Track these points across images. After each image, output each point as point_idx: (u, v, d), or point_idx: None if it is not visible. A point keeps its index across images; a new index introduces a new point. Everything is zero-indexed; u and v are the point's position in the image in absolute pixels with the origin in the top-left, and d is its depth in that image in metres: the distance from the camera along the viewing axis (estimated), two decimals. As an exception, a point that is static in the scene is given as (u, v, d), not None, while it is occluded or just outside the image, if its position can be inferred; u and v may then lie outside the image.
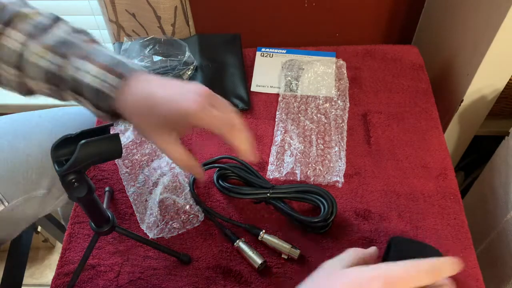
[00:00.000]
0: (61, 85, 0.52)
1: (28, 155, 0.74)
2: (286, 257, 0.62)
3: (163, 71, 0.80)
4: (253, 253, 0.61)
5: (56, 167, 0.44)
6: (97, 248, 0.64)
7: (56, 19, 0.54)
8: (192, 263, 0.62)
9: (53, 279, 0.62)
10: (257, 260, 0.60)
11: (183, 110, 0.47)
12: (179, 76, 0.80)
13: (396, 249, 0.57)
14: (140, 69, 0.51)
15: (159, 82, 0.50)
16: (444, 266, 0.40)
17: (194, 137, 0.76)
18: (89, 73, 0.49)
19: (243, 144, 0.49)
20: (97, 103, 0.50)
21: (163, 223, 0.64)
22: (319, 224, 0.62)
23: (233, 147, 0.49)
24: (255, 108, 0.79)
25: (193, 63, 0.82)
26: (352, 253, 0.47)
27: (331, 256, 0.62)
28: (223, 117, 0.49)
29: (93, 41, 0.53)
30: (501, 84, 0.78)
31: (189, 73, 0.81)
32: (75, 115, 0.83)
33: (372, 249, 0.49)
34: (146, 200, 0.67)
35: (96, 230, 0.55)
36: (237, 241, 0.62)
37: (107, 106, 0.50)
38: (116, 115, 0.52)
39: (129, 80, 0.49)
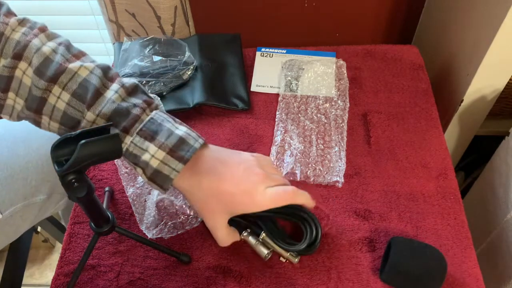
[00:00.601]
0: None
1: (28, 161, 0.73)
2: (284, 260, 0.61)
3: (163, 71, 0.80)
4: (259, 243, 0.61)
5: (56, 167, 0.44)
6: (97, 248, 0.64)
7: (105, 73, 0.52)
8: (192, 263, 0.62)
9: (53, 279, 0.62)
10: (264, 250, 0.60)
11: (257, 208, 0.54)
12: (178, 76, 0.80)
13: (396, 249, 0.57)
14: (200, 144, 0.52)
15: (221, 169, 0.54)
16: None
17: (194, 137, 0.76)
18: (149, 153, 0.50)
19: (307, 203, 0.58)
20: (152, 178, 0.51)
21: (162, 223, 0.64)
22: (304, 249, 0.60)
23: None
24: (255, 108, 0.79)
25: (193, 63, 0.82)
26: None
27: (331, 256, 0.62)
28: (287, 191, 0.55)
29: (148, 103, 0.52)
30: (501, 84, 0.78)
31: (189, 73, 0.81)
32: None
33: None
34: (145, 201, 0.66)
35: (96, 230, 0.55)
36: (243, 232, 0.61)
37: (163, 184, 0.51)
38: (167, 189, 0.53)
39: (191, 164, 0.51)
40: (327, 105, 0.78)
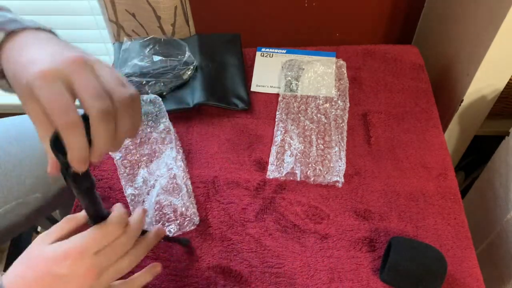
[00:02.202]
0: None
1: (21, 159, 0.74)
2: None
3: (163, 71, 0.80)
4: None
5: (61, 157, 0.43)
6: (97, 248, 0.64)
7: None
8: (192, 263, 0.62)
9: (53, 279, 0.62)
10: None
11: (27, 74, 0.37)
12: (178, 76, 0.80)
13: (396, 249, 0.57)
14: (38, 27, 0.42)
15: (40, 40, 0.41)
16: (111, 228, 0.45)
17: (194, 136, 0.76)
18: None
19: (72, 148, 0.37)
20: None
21: (159, 224, 0.64)
22: None
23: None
24: (255, 108, 0.79)
25: (193, 63, 0.82)
26: (61, 225, 0.47)
27: (331, 256, 0.62)
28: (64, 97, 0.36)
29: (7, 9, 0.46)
30: (501, 84, 0.78)
31: (189, 73, 0.81)
32: None
33: (81, 216, 0.48)
34: (143, 201, 0.66)
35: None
36: None
37: None
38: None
39: (16, 36, 0.41)
40: (327, 105, 0.78)
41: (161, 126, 0.73)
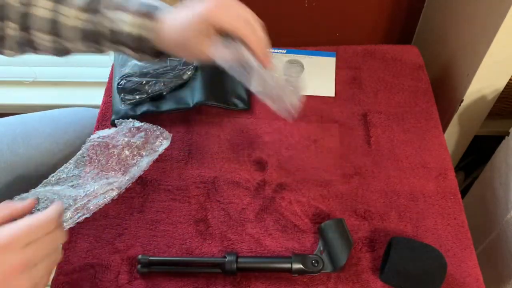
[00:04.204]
0: (99, 40, 0.56)
1: (28, 159, 0.74)
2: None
3: (163, 71, 0.80)
4: None
5: None
6: (97, 248, 0.64)
7: None
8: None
9: (53, 279, 0.62)
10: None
11: (202, 13, 0.53)
12: (178, 76, 0.80)
13: (396, 249, 0.57)
14: (165, 8, 0.57)
15: (183, 11, 0.56)
16: (46, 221, 0.44)
17: (194, 136, 0.76)
18: (126, 23, 0.54)
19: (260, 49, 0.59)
20: (139, 48, 0.57)
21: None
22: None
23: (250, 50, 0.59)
24: (255, 108, 0.79)
25: (193, 62, 0.82)
26: None
27: (331, 256, 0.62)
28: (243, 16, 0.58)
29: None
30: (501, 84, 0.78)
31: (189, 73, 0.81)
32: (74, 118, 0.82)
33: (25, 204, 0.47)
34: None
35: None
36: None
37: (149, 48, 0.57)
38: (156, 54, 0.58)
39: (162, 21, 0.55)
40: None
41: None
